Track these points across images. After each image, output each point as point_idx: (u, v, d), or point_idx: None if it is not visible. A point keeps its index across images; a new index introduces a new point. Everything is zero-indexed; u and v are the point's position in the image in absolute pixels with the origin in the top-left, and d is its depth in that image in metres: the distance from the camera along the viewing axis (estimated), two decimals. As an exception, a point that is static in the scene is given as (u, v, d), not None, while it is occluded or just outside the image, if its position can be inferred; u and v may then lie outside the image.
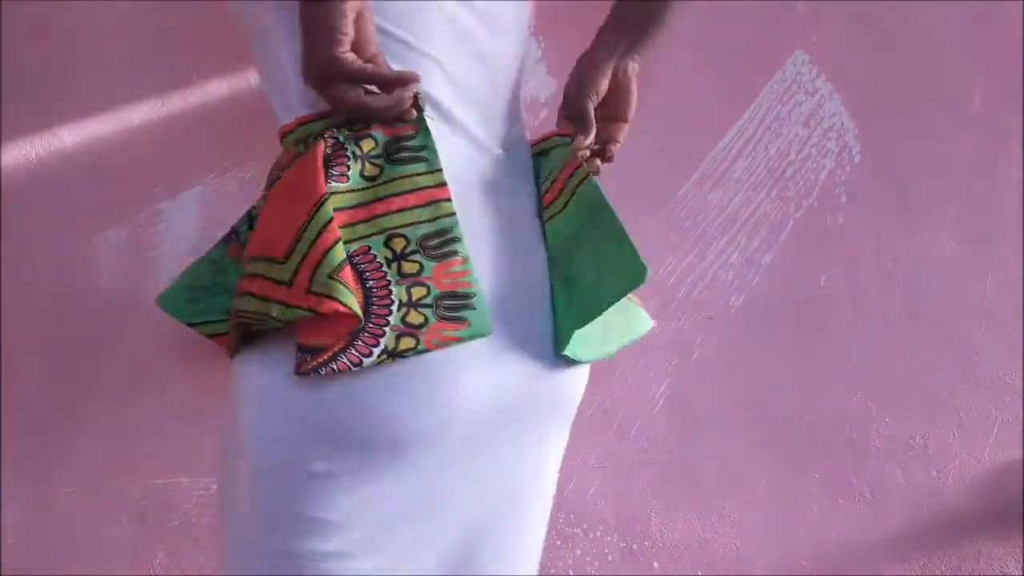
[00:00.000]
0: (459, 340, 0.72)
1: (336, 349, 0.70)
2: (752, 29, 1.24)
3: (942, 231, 1.28)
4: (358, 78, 0.72)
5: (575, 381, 0.84)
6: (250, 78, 1.21)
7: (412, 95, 0.74)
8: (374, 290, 0.71)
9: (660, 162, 1.25)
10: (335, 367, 0.69)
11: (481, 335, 0.72)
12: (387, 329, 0.70)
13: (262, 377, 0.74)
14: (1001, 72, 1.26)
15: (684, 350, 1.27)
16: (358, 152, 0.74)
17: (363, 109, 0.73)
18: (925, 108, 1.27)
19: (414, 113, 0.74)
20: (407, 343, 0.70)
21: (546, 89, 1.24)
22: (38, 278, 1.21)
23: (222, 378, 0.82)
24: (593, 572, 1.28)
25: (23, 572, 1.23)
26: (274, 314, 0.72)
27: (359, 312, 0.69)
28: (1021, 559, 1.32)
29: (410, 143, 0.75)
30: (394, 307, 0.71)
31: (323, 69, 0.72)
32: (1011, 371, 1.29)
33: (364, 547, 0.74)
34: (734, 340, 1.27)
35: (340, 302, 0.68)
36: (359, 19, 0.72)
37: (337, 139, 0.75)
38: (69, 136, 1.20)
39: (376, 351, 0.69)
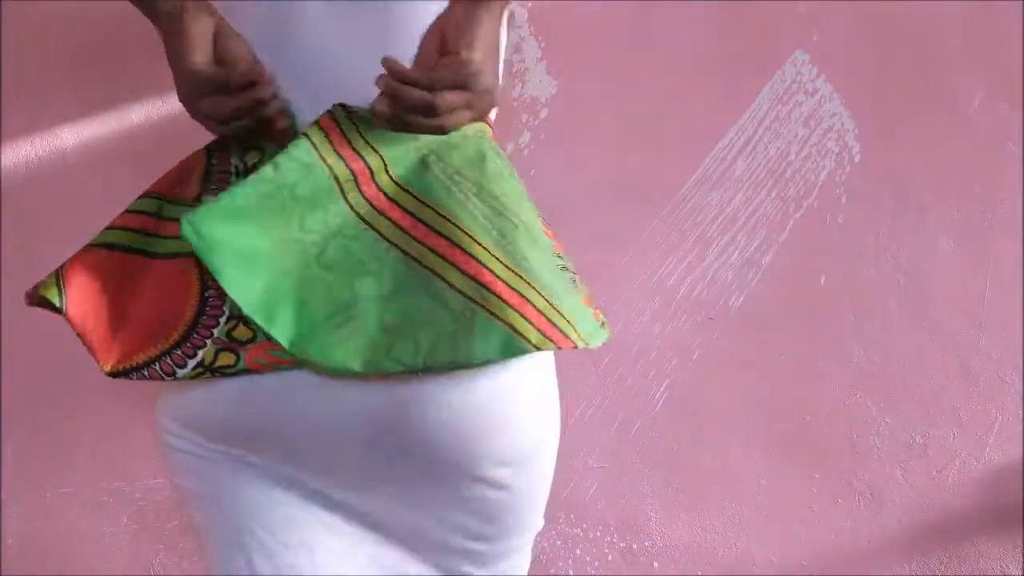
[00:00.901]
0: (289, 363, 0.65)
1: (152, 354, 0.67)
2: (752, 29, 1.24)
3: (942, 231, 1.28)
4: (212, 84, 0.70)
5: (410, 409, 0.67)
6: (250, 78, 1.21)
7: (271, 96, 0.71)
8: (210, 299, 0.68)
9: (660, 162, 1.25)
10: (146, 373, 0.67)
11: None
12: (209, 341, 0.66)
13: None
14: (1001, 72, 1.26)
15: (684, 350, 1.27)
16: (241, 166, 0.73)
17: (226, 116, 0.70)
18: (925, 108, 1.27)
19: (285, 124, 0.72)
20: (226, 359, 0.66)
21: (546, 89, 1.24)
22: (38, 278, 1.21)
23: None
24: (593, 572, 1.28)
25: (23, 572, 1.23)
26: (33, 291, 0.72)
27: (54, 301, 0.67)
28: (1021, 559, 1.32)
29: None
30: (223, 319, 0.67)
31: (185, 84, 0.71)
32: (1011, 371, 1.29)
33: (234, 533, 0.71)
34: (734, 340, 1.27)
35: (38, 293, 0.68)
36: (220, 36, 0.72)
37: (227, 150, 0.75)
38: (69, 136, 1.20)
39: (191, 363, 0.66)
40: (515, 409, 0.71)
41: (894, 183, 1.27)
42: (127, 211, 0.71)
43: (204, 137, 1.20)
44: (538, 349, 0.65)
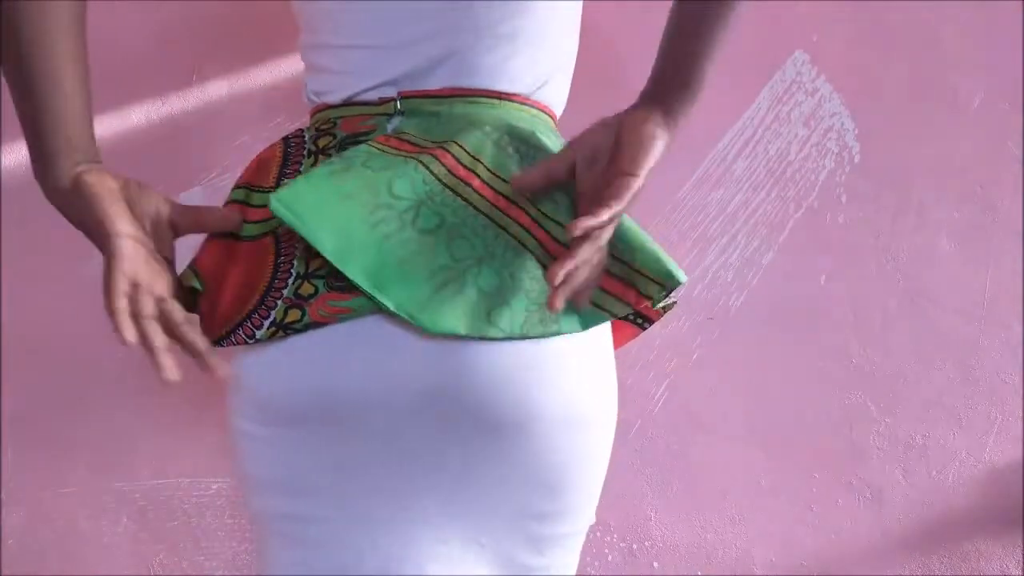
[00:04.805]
0: (348, 312, 0.68)
1: (236, 321, 0.71)
2: (752, 29, 1.24)
3: (942, 231, 1.28)
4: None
5: (479, 371, 0.70)
6: (250, 78, 1.21)
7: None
8: (282, 264, 0.71)
9: (660, 162, 1.25)
10: (233, 340, 0.70)
11: (371, 308, 0.68)
12: (279, 301, 0.70)
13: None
14: (1001, 72, 1.26)
15: (684, 350, 1.27)
16: (314, 148, 0.76)
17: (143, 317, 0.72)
18: (925, 108, 1.27)
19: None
20: (293, 315, 0.69)
21: (546, 89, 1.24)
22: (38, 278, 1.21)
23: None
24: (593, 572, 1.28)
25: (23, 572, 1.23)
26: None
27: (196, 284, 0.72)
28: (1021, 559, 1.32)
29: (364, 137, 0.76)
30: (291, 279, 0.71)
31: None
32: (1011, 371, 1.29)
33: (321, 508, 0.73)
34: (734, 340, 1.27)
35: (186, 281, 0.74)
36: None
37: (303, 136, 0.78)
38: (69, 136, 1.20)
39: (266, 323, 0.69)
40: (565, 371, 0.73)
41: (894, 183, 1.27)
42: (227, 202, 0.76)
43: (203, 140, 1.20)
44: (615, 316, 0.73)
